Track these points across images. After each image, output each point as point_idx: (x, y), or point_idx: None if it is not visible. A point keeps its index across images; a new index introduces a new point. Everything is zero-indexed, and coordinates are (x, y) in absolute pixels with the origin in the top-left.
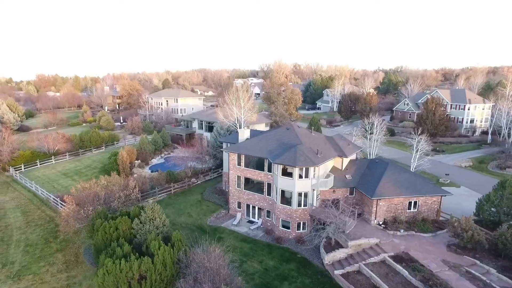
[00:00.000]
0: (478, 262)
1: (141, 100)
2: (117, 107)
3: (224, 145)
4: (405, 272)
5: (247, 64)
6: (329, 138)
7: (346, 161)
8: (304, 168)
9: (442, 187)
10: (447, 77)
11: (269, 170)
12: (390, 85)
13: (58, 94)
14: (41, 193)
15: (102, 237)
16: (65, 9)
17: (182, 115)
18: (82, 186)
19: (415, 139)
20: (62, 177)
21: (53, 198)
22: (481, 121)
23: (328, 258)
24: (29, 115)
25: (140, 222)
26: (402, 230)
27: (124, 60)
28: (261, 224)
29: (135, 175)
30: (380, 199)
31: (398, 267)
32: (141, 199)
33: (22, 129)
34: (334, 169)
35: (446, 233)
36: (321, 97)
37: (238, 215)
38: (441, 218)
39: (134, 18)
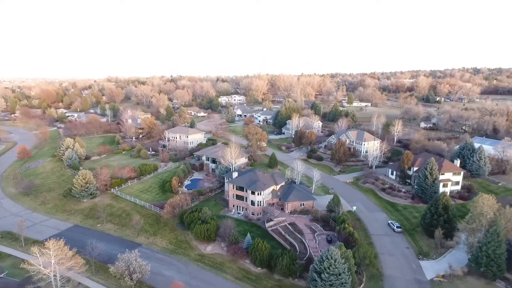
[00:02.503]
0: (317, 224)
1: (162, 135)
2: (140, 136)
3: (225, 178)
4: (290, 228)
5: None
6: (272, 175)
7: (278, 186)
8: (259, 192)
9: (326, 195)
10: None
11: (245, 191)
12: (336, 114)
13: (77, 116)
14: (139, 202)
15: (190, 217)
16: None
17: (191, 146)
18: (172, 202)
19: (333, 163)
20: (140, 193)
21: (149, 205)
22: (373, 151)
23: (267, 225)
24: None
25: (202, 212)
26: (296, 214)
27: (110, 65)
28: (243, 214)
29: (180, 193)
30: (289, 202)
31: (289, 226)
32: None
33: (86, 158)
34: (273, 190)
35: (311, 215)
36: (286, 124)
37: (233, 210)
38: (313, 208)
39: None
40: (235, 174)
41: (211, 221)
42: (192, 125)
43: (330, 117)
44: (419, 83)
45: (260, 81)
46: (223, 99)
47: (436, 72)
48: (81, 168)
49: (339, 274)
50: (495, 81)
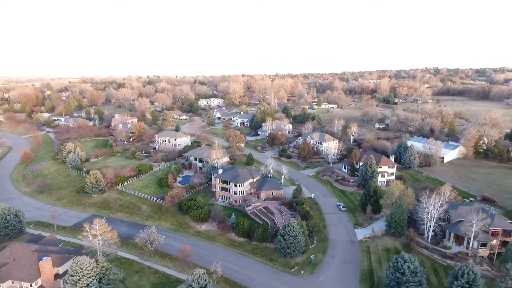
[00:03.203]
0: (284, 207)
1: (153, 139)
2: (130, 139)
3: (212, 174)
4: (264, 210)
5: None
6: (250, 170)
7: (254, 179)
8: (240, 184)
9: (292, 186)
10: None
11: (229, 183)
12: (304, 117)
13: (64, 120)
14: (142, 195)
15: (187, 204)
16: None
17: (179, 148)
18: (171, 193)
19: (299, 160)
20: (141, 188)
21: (151, 197)
22: (332, 150)
23: (247, 209)
24: None
25: (196, 201)
26: (268, 201)
27: (84, 64)
28: (227, 202)
29: (176, 187)
30: (263, 192)
31: (263, 209)
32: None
33: (86, 160)
34: (251, 183)
35: (280, 201)
36: (261, 127)
37: (219, 199)
38: (282, 195)
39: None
40: (220, 171)
41: (204, 206)
42: (177, 129)
43: (299, 120)
44: (381, 85)
45: (237, 85)
46: (202, 102)
47: (401, 72)
48: (84, 169)
49: (296, 236)
50: (450, 82)
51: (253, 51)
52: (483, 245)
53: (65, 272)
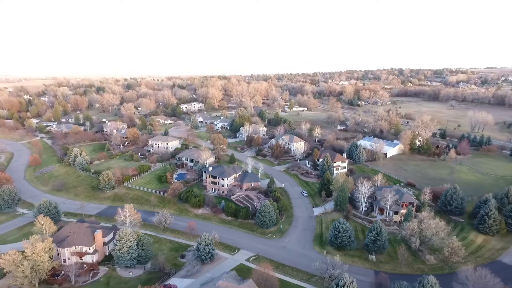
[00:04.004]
0: (261, 195)
1: (147, 143)
2: (125, 143)
3: (203, 171)
4: (245, 198)
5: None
6: (233, 167)
7: (237, 174)
8: (226, 178)
9: (267, 179)
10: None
11: (217, 178)
12: (277, 121)
13: (56, 126)
14: (147, 190)
15: (186, 194)
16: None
17: (171, 150)
18: (172, 186)
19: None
20: (144, 184)
21: (154, 191)
22: (299, 149)
23: (232, 197)
24: None
25: (193, 192)
26: (248, 190)
27: (54, 63)
28: (216, 192)
29: (173, 183)
30: (244, 184)
31: (245, 197)
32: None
33: (90, 162)
34: (235, 177)
35: (257, 190)
36: (240, 130)
37: (210, 191)
38: (259, 186)
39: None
40: (210, 168)
41: (200, 195)
42: (166, 133)
43: (273, 123)
44: (346, 89)
45: (216, 91)
46: (184, 107)
47: (368, 73)
48: (92, 170)
49: (269, 212)
50: (409, 83)
51: (253, 52)
52: (396, 213)
53: (110, 240)
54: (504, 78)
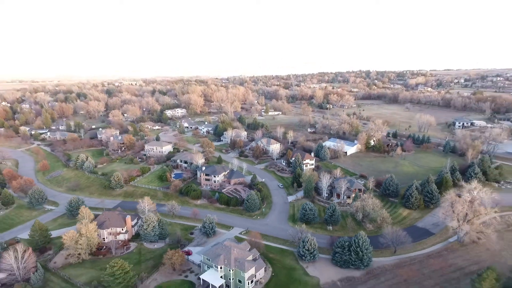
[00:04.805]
0: (246, 188)
1: (144, 148)
2: (122, 149)
3: (197, 170)
4: (234, 190)
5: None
6: (223, 167)
7: (226, 172)
8: (217, 175)
9: (250, 175)
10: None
11: (210, 175)
12: (255, 125)
13: (50, 134)
14: (151, 187)
15: (186, 189)
16: None
17: (165, 153)
18: (174, 183)
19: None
20: (148, 183)
21: (158, 188)
22: (275, 150)
23: (223, 190)
24: None
25: (192, 187)
26: (236, 185)
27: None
28: (209, 187)
29: (173, 181)
30: (232, 179)
31: (233, 190)
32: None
33: (94, 166)
34: (224, 174)
35: (243, 184)
36: (223, 134)
37: (204, 186)
38: (244, 181)
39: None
40: (203, 168)
41: (197, 189)
42: (157, 138)
43: (252, 127)
44: (316, 93)
45: (198, 97)
46: (168, 112)
47: (338, 75)
48: (99, 172)
49: (254, 200)
50: (374, 86)
51: (253, 52)
52: (348, 197)
53: (135, 224)
54: (456, 81)
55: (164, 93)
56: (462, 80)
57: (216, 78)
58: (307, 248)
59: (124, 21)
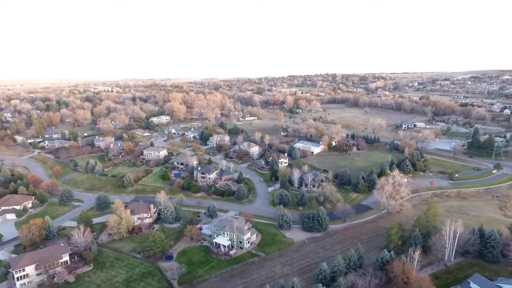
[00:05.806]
0: (235, 183)
1: (143, 153)
2: (122, 154)
3: (194, 170)
4: (225, 185)
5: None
6: (214, 167)
7: (218, 171)
8: (211, 173)
9: (237, 173)
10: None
11: (205, 173)
12: (236, 130)
13: (48, 142)
14: (157, 185)
15: (188, 185)
16: None
17: (162, 157)
18: (176, 180)
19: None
20: (153, 182)
21: (163, 185)
22: (255, 152)
23: (217, 185)
24: None
25: (192, 183)
26: (226, 181)
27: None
28: (205, 183)
29: (174, 179)
30: (223, 176)
31: (224, 185)
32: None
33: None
34: (216, 173)
35: (232, 180)
36: (209, 139)
37: (201, 182)
38: (232, 177)
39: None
40: (199, 168)
41: (197, 185)
42: (152, 144)
43: (233, 132)
44: (287, 99)
45: (180, 105)
46: (154, 120)
47: (307, 79)
48: (108, 174)
49: (243, 191)
50: (339, 90)
51: (253, 52)
52: (313, 186)
53: (155, 211)
54: (411, 84)
55: (145, 100)
56: (416, 84)
57: (190, 83)
58: (285, 220)
59: (86, 20)
